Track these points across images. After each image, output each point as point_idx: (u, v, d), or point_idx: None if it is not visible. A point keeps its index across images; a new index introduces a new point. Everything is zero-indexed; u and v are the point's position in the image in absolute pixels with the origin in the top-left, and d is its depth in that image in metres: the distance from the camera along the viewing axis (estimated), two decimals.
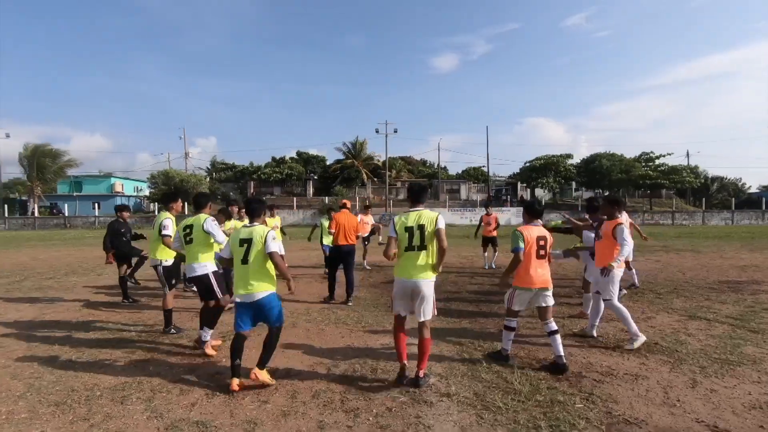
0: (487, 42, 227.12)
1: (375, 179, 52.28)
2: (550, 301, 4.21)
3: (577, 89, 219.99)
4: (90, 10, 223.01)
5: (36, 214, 41.81)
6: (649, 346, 4.65)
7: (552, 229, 7.85)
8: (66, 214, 40.19)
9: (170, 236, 5.09)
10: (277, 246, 3.85)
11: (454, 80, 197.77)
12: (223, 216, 6.74)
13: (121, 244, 7.29)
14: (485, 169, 54.40)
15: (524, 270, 4.13)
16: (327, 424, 3.08)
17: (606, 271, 4.68)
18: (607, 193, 47.64)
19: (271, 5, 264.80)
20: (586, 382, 3.79)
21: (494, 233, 11.26)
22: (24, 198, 47.31)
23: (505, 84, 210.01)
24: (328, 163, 55.92)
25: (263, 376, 3.65)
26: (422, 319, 3.72)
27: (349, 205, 7.70)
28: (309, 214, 40.39)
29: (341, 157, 53.49)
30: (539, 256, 4.15)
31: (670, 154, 46.11)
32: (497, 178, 62.41)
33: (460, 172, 65.71)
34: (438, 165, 60.80)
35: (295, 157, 56.61)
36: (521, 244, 4.11)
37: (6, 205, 41.37)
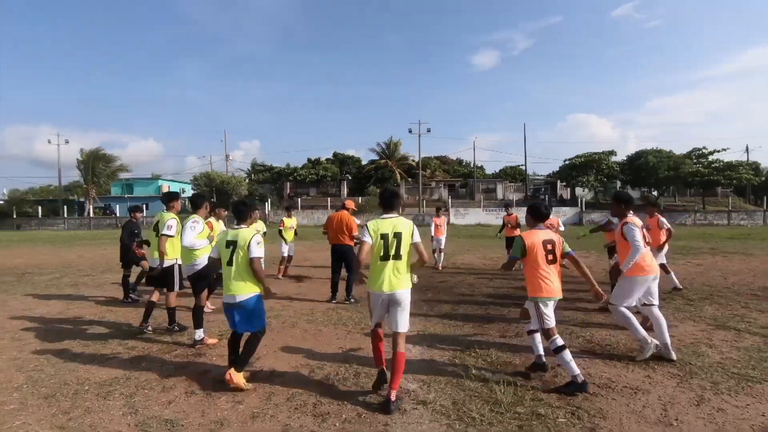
0: (529, 37, 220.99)
1: (409, 179, 52.11)
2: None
3: (626, 83, 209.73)
4: (140, 23, 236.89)
5: (91, 214, 44.81)
6: (659, 358, 4.28)
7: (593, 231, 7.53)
8: (118, 215, 42.83)
9: (172, 236, 5.24)
10: (260, 252, 3.86)
11: (494, 77, 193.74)
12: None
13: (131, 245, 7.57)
14: (524, 167, 52.95)
15: (542, 279, 3.77)
16: (292, 428, 3.04)
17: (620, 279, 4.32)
18: (654, 192, 45.09)
19: (308, 8, 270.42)
20: (578, 394, 3.53)
21: (516, 233, 10.91)
22: (81, 200, 50.80)
23: (547, 80, 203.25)
24: (363, 163, 56.41)
25: (238, 378, 3.61)
26: (398, 330, 3.50)
27: (351, 205, 7.63)
28: None
29: (376, 157, 53.83)
30: (549, 262, 3.81)
31: (725, 150, 42.87)
32: (536, 177, 60.53)
33: (497, 171, 64.33)
34: (473, 164, 59.72)
35: (331, 158, 57.51)
36: (518, 254, 3.88)
37: (65, 207, 44.69)
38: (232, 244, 3.83)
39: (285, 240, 9.99)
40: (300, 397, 3.53)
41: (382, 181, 50.99)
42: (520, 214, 12.05)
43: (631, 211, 4.74)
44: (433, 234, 11.25)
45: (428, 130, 45.93)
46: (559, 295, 3.83)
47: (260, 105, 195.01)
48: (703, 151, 43.18)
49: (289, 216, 10.58)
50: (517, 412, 3.21)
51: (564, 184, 49.21)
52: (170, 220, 5.41)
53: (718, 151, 42.78)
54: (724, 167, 40.54)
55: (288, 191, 52.64)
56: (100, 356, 4.57)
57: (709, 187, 42.22)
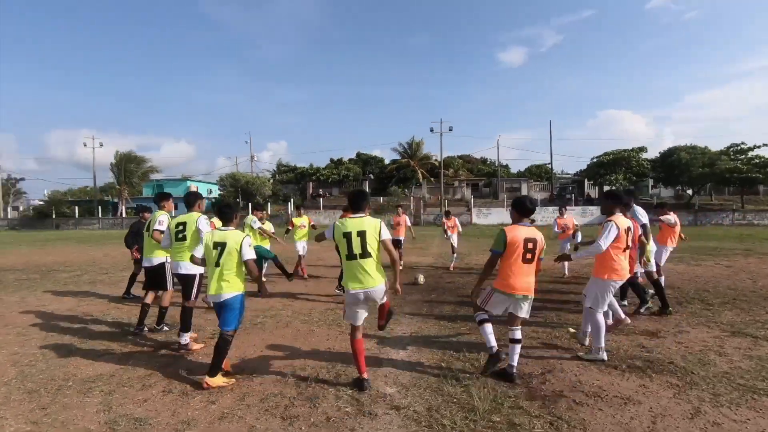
0: (558, 32, 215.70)
1: (432, 179, 51.70)
2: (526, 313, 3.83)
3: (662, 78, 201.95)
4: (178, 29, 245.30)
5: (123, 214, 46.58)
6: (660, 366, 4.03)
7: None
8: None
9: (163, 230, 5.34)
10: (252, 253, 3.91)
11: (522, 75, 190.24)
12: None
13: (141, 244, 7.78)
14: (550, 166, 51.64)
15: (507, 274, 3.76)
16: (257, 430, 2.99)
17: (560, 258, 4.56)
18: (689, 191, 43.08)
19: (336, 10, 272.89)
20: (562, 403, 3.34)
21: None
22: (115, 200, 52.89)
23: (577, 76, 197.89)
24: (386, 163, 56.45)
25: (216, 382, 3.66)
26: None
27: None
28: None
29: (398, 157, 53.74)
30: (525, 260, 3.73)
31: (766, 145, 40.31)
32: (563, 176, 58.97)
33: (523, 170, 63.04)
34: (498, 163, 58.71)
35: (354, 158, 57.79)
36: (500, 248, 3.77)
37: (100, 207, 46.62)
38: (219, 246, 3.85)
39: (294, 240, 10.02)
40: (274, 398, 3.48)
41: (404, 180, 50.86)
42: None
43: (619, 211, 4.50)
44: (446, 232, 11.10)
45: (450, 129, 45.45)
46: (527, 293, 3.76)
47: (287, 106, 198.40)
48: (742, 146, 40.80)
49: (299, 215, 10.58)
50: (492, 420, 3.06)
51: (591, 182, 47.68)
52: (161, 216, 5.55)
53: (759, 147, 40.30)
54: (765, 163, 38.18)
55: (311, 191, 53.20)
56: (93, 353, 4.66)
57: (749, 185, 39.86)
